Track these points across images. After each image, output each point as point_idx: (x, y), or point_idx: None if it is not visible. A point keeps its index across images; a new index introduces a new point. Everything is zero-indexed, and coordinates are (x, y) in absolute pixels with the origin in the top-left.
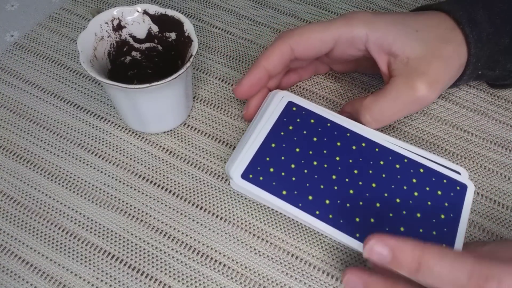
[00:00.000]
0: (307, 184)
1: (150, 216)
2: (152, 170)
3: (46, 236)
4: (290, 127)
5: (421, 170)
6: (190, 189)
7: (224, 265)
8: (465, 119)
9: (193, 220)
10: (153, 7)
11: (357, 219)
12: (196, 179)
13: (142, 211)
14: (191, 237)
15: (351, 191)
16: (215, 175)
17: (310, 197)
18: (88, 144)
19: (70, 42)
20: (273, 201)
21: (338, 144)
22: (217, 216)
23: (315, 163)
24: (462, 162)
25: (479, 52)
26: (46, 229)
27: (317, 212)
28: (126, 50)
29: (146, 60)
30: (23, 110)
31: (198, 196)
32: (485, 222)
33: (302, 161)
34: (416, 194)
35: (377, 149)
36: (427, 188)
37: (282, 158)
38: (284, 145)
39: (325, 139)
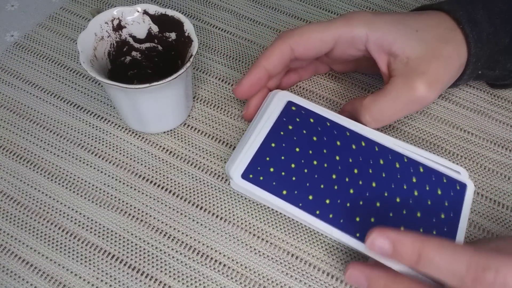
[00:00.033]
0: (307, 184)
1: (150, 216)
2: (152, 170)
3: (46, 236)
4: (290, 127)
5: (421, 169)
6: (190, 189)
7: (224, 265)
8: (465, 119)
9: (193, 220)
10: (153, 7)
11: (357, 219)
12: (196, 179)
13: (142, 211)
14: (191, 237)
15: (351, 191)
16: (215, 175)
17: (310, 197)
18: (88, 144)
19: (70, 42)
20: (273, 201)
21: (338, 143)
22: (217, 216)
23: (315, 162)
24: (462, 162)
25: (479, 52)
26: (46, 229)
27: (318, 212)
28: (126, 50)
29: (146, 60)
30: (23, 110)
31: (198, 196)
32: (485, 222)
33: (302, 161)
34: (416, 193)
35: (376, 148)
36: (427, 187)
37: (282, 157)
38: (284, 144)
39: (324, 138)
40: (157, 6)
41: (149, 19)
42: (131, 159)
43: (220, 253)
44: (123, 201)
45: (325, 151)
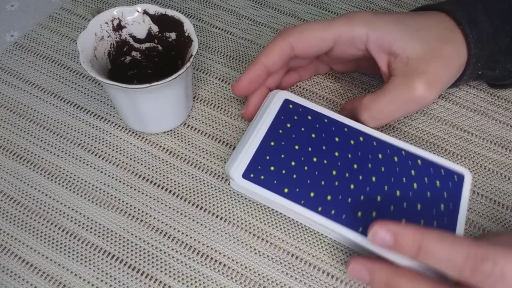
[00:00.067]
0: (308, 181)
1: (150, 216)
2: (152, 170)
3: (46, 236)
4: (288, 125)
5: (419, 162)
6: (190, 189)
7: (224, 265)
8: (465, 119)
9: (193, 220)
10: (153, 7)
11: (359, 214)
12: (196, 179)
13: (142, 211)
14: (191, 237)
15: (352, 186)
16: (215, 175)
17: (312, 194)
18: (88, 144)
19: (70, 42)
20: (275, 200)
21: (336, 139)
22: (217, 216)
23: (314, 159)
24: (462, 162)
25: (479, 52)
26: (46, 229)
27: (320, 209)
28: (126, 50)
29: (146, 60)
30: (23, 110)
31: (198, 196)
32: (485, 222)
33: (302, 158)
34: (415, 186)
35: (375, 143)
36: (426, 180)
37: (282, 156)
38: (283, 143)
39: (323, 135)
40: (157, 6)
41: (149, 19)
42: (131, 159)
43: (220, 253)
44: (123, 201)
45: (324, 147)
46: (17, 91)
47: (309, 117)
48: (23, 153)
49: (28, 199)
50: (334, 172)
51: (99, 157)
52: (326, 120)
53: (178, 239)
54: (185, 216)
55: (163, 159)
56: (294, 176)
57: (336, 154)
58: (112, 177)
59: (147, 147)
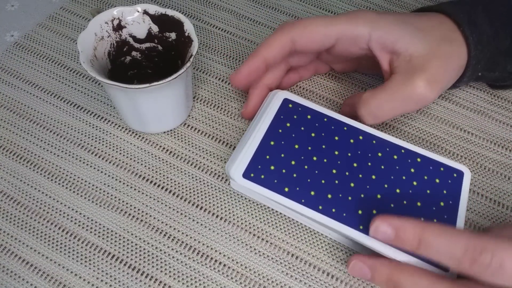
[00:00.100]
0: (308, 180)
1: (150, 216)
2: (152, 170)
3: (46, 236)
4: (288, 124)
5: (418, 160)
6: (190, 189)
7: (224, 265)
8: (465, 119)
9: (193, 220)
10: (153, 7)
11: (360, 212)
12: (196, 179)
13: (142, 211)
14: (191, 237)
15: (352, 184)
16: (215, 175)
17: (312, 193)
18: (88, 144)
19: (70, 42)
20: (276, 199)
21: (336, 138)
22: (217, 216)
23: (314, 158)
24: (462, 162)
25: (479, 54)
26: (46, 229)
27: (320, 207)
28: (126, 50)
29: (146, 60)
30: (23, 110)
31: (198, 196)
32: (485, 222)
33: (302, 157)
34: (415, 183)
35: (374, 141)
36: (425, 177)
37: (282, 155)
38: (283, 142)
39: (322, 134)
40: (157, 6)
41: (149, 19)
42: (131, 159)
43: (220, 253)
44: (123, 201)
45: (324, 146)
46: (17, 91)
47: (309, 117)
48: (23, 153)
49: (28, 199)
50: (334, 171)
51: (99, 157)
52: (325, 119)
53: (178, 239)
54: (185, 216)
55: (163, 159)
56: (294, 175)
57: (336, 153)
58: (112, 177)
59: (147, 147)
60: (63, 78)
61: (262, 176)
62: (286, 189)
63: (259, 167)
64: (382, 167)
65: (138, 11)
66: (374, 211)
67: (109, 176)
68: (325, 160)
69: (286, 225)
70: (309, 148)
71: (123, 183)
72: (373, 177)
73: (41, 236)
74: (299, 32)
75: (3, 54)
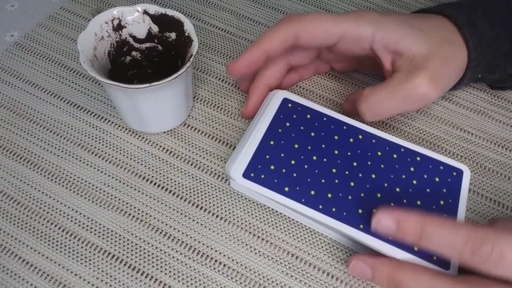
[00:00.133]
0: (308, 179)
1: (150, 216)
2: (152, 170)
3: (46, 236)
4: (287, 124)
5: (418, 158)
6: (190, 189)
7: (224, 265)
8: (465, 119)
9: (193, 220)
10: (153, 7)
11: (360, 211)
12: (196, 179)
13: (142, 211)
14: (191, 237)
15: (352, 184)
16: (215, 175)
17: (312, 192)
18: (88, 144)
19: (70, 42)
20: (276, 198)
21: (336, 137)
22: (217, 216)
23: (314, 158)
24: (462, 162)
25: (479, 56)
26: (46, 229)
27: (320, 206)
28: (126, 50)
29: (146, 60)
30: (23, 110)
31: (198, 196)
32: (485, 222)
33: (302, 157)
34: (414, 182)
35: (374, 140)
36: (425, 176)
37: (282, 155)
38: (282, 142)
39: (322, 133)
40: (157, 6)
41: (149, 19)
42: (131, 159)
43: (220, 253)
44: (123, 201)
45: (323, 146)
46: (17, 91)
47: (308, 116)
48: (23, 153)
49: (28, 199)
50: (334, 170)
51: (99, 157)
52: (325, 119)
53: (178, 239)
54: (185, 216)
55: (163, 159)
56: (294, 174)
57: (336, 152)
58: (112, 177)
59: (147, 147)
60: (63, 78)
61: (262, 176)
62: (286, 189)
63: (259, 167)
64: (382, 166)
65: (138, 11)
66: (374, 210)
67: (109, 176)
68: (325, 160)
69: (286, 225)
70: (309, 147)
71: (123, 183)
72: (373, 176)
73: (41, 236)
74: (304, 27)
75: (3, 54)
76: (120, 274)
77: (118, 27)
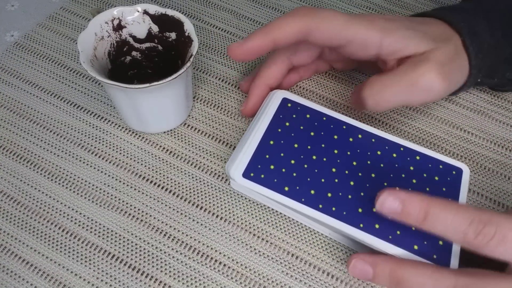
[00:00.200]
0: (308, 179)
1: (150, 216)
2: (152, 170)
3: (46, 236)
4: (287, 124)
5: (417, 158)
6: (190, 189)
7: (224, 265)
8: (465, 119)
9: (193, 220)
10: (153, 7)
11: (360, 210)
12: (196, 179)
13: (142, 211)
14: (191, 237)
15: (352, 183)
16: (215, 175)
17: (312, 192)
18: (88, 144)
19: (70, 42)
20: (276, 198)
21: (335, 137)
22: (217, 216)
23: (314, 157)
24: (462, 162)
25: (480, 63)
26: (46, 229)
27: (320, 206)
28: (126, 50)
29: (146, 60)
30: (23, 110)
31: (198, 196)
32: None
33: (302, 156)
34: (414, 181)
35: (373, 140)
36: (425, 175)
37: (282, 154)
38: (282, 141)
39: (322, 133)
40: (157, 6)
41: (149, 19)
42: (131, 159)
43: (220, 253)
44: (123, 201)
45: (323, 145)
46: (17, 91)
47: (308, 116)
48: (23, 153)
49: (28, 199)
50: (333, 170)
51: (99, 157)
52: (324, 118)
53: (178, 239)
54: (185, 216)
55: (163, 159)
56: (294, 174)
57: (335, 151)
58: (112, 177)
59: (147, 147)
60: (63, 78)
61: (262, 176)
62: (286, 188)
63: (259, 166)
64: (382, 165)
65: (138, 11)
66: (374, 209)
67: (109, 176)
68: (324, 159)
69: (286, 225)
70: (309, 147)
71: (123, 183)
72: (373, 175)
73: (41, 236)
74: (318, 23)
75: (3, 54)
76: (120, 274)
77: (118, 27)
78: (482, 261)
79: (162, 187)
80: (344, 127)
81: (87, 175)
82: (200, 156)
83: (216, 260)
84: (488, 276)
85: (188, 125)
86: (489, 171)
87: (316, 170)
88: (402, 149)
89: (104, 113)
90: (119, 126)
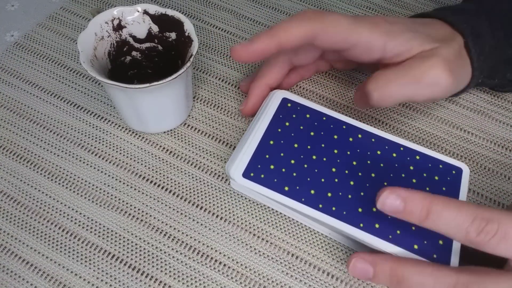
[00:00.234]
0: (308, 179)
1: (150, 216)
2: (152, 170)
3: (46, 236)
4: (287, 123)
5: (417, 157)
6: (190, 189)
7: (224, 265)
8: (465, 119)
9: (193, 220)
10: (153, 7)
11: (360, 210)
12: (196, 179)
13: (142, 211)
14: (191, 237)
15: (352, 183)
16: (215, 175)
17: (312, 191)
18: (88, 144)
19: (70, 42)
20: (276, 198)
21: (335, 137)
22: (217, 216)
23: (314, 157)
24: (462, 162)
25: (482, 64)
26: (46, 229)
27: (320, 206)
28: (126, 50)
29: (146, 60)
30: (23, 110)
31: (198, 196)
32: None
33: (302, 156)
34: (414, 181)
35: (373, 139)
36: (424, 174)
37: (282, 154)
38: (282, 141)
39: (322, 133)
40: (157, 6)
41: (149, 19)
42: (131, 159)
43: (220, 253)
44: (123, 201)
45: (323, 145)
46: (17, 91)
47: (308, 115)
48: (23, 153)
49: (28, 199)
50: (333, 169)
51: (99, 157)
52: (324, 118)
53: (178, 239)
54: (185, 216)
55: (163, 159)
56: (294, 174)
57: (335, 151)
58: (112, 177)
59: (147, 147)
60: (63, 78)
61: (262, 176)
62: (286, 188)
63: (259, 166)
64: (382, 165)
65: (138, 11)
66: (374, 209)
67: (109, 176)
68: (324, 159)
69: (286, 225)
70: (309, 147)
71: (123, 183)
72: (373, 175)
73: (41, 236)
74: (325, 28)
75: (3, 54)
76: (120, 274)
77: (118, 27)
78: (480, 258)
79: (162, 187)
80: (344, 127)
81: (87, 175)
82: (200, 156)
83: (216, 260)
84: (489, 273)
85: (188, 125)
86: (489, 171)
87: (316, 170)
88: (402, 148)
89: (104, 113)
90: (119, 126)
